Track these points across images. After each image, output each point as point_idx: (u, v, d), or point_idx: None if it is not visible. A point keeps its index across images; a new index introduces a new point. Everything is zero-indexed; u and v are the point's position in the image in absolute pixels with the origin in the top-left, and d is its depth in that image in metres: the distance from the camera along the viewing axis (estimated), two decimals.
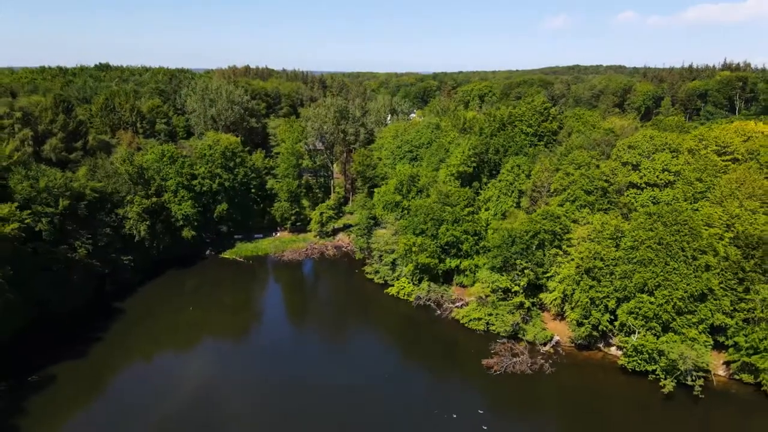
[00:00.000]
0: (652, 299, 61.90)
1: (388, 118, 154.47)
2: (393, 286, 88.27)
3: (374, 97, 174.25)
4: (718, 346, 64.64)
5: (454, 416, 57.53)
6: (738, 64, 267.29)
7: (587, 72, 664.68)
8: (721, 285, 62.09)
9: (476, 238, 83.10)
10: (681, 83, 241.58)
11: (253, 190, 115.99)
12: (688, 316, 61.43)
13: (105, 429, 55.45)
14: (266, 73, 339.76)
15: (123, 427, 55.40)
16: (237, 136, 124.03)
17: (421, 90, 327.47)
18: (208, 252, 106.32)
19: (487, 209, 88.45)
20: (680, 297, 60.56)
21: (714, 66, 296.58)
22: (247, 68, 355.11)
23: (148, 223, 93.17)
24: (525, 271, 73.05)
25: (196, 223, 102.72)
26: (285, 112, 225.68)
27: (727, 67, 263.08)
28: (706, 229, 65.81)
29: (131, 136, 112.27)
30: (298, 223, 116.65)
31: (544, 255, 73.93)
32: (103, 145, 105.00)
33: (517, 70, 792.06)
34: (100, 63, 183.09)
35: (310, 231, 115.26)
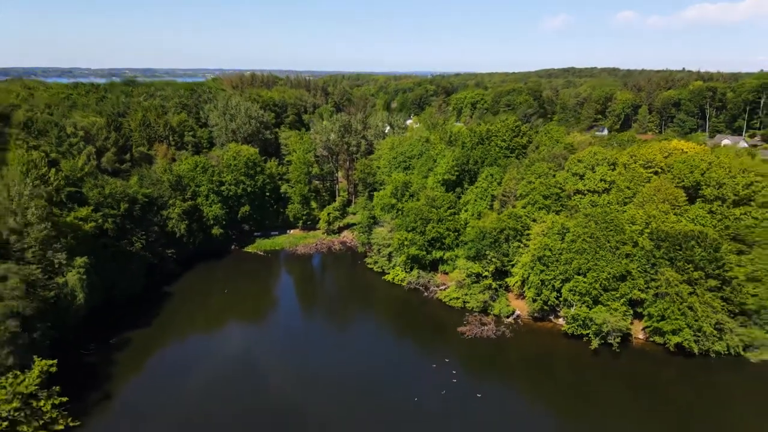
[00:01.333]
0: (585, 280, 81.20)
1: (387, 129, 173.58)
2: (389, 273, 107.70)
3: (374, 112, 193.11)
4: (638, 316, 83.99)
5: (434, 366, 76.97)
6: (711, 73, 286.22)
7: (581, 74, 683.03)
8: (638, 268, 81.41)
9: (456, 234, 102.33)
10: (657, 92, 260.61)
11: (268, 194, 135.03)
12: (612, 292, 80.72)
13: (161, 380, 74.51)
14: (271, 81, 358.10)
15: (173, 380, 74.78)
16: (254, 147, 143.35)
17: (418, 97, 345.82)
18: (233, 247, 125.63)
19: (466, 210, 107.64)
20: (605, 278, 79.91)
21: (699, 71, 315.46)
22: (252, 75, 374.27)
23: (186, 222, 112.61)
24: (493, 259, 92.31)
25: (223, 223, 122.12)
26: (291, 120, 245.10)
27: (700, 77, 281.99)
28: (630, 226, 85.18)
29: (166, 148, 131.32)
30: (309, 222, 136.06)
31: (509, 247, 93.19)
32: (144, 157, 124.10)
33: (513, 73, 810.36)
34: (127, 78, 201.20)
35: (318, 229, 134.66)
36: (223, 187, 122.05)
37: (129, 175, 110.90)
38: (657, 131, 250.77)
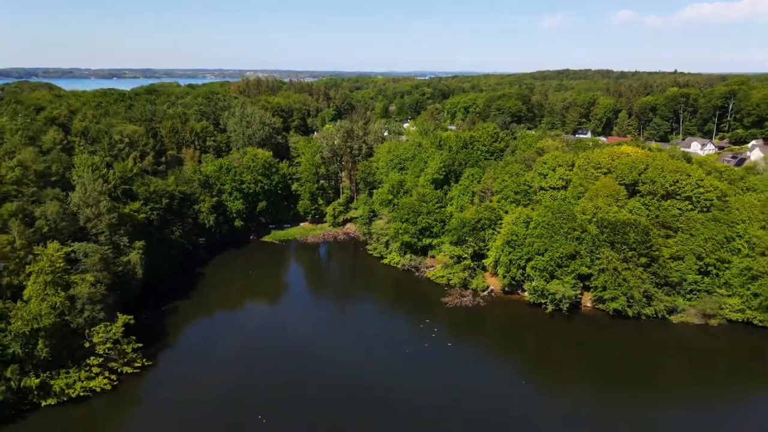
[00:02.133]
0: (543, 258, 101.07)
1: (385, 133, 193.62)
2: (386, 258, 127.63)
3: (373, 117, 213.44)
4: (587, 289, 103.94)
5: (421, 326, 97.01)
6: (687, 81, 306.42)
7: (576, 77, 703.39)
8: (585, 249, 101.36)
9: (442, 224, 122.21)
10: (636, 98, 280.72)
11: (280, 192, 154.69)
12: (565, 269, 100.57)
13: (204, 335, 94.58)
14: (275, 86, 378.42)
15: (214, 335, 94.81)
16: (267, 150, 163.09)
17: (415, 101, 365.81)
18: (252, 237, 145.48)
19: (451, 204, 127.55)
20: (559, 256, 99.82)
21: (690, 72, 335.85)
22: (258, 80, 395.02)
23: (214, 215, 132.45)
24: (472, 244, 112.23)
25: (244, 216, 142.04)
26: (297, 124, 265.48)
27: (676, 83, 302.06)
28: (581, 215, 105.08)
29: (193, 151, 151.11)
30: (317, 216, 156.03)
31: (485, 234, 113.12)
32: (175, 160, 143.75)
33: (509, 75, 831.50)
34: (149, 86, 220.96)
35: (325, 222, 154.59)
36: (243, 186, 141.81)
37: (165, 175, 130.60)
38: (636, 134, 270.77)
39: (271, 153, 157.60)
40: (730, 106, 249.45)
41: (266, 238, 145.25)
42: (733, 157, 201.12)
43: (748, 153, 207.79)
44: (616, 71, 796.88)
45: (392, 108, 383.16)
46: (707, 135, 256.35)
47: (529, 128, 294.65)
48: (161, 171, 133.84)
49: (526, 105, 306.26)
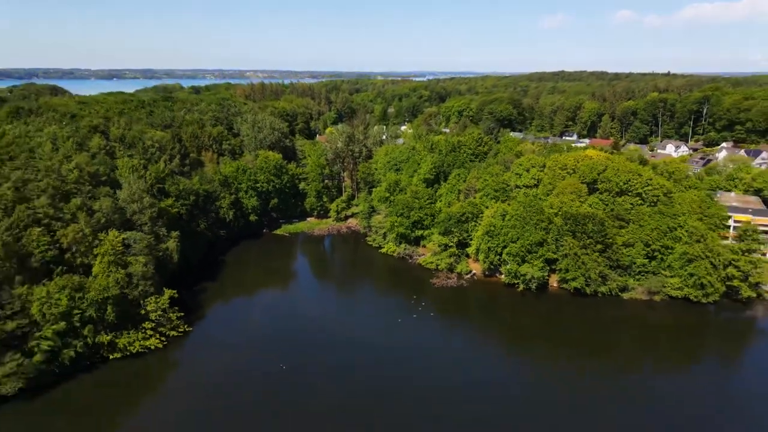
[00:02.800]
0: (516, 245, 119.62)
1: (384, 136, 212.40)
2: (383, 247, 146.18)
3: (372, 120, 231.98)
4: (554, 271, 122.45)
5: (412, 301, 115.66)
6: (698, 75, 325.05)
7: (570, 78, 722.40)
8: (551, 238, 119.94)
9: (432, 217, 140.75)
10: (619, 103, 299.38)
11: (288, 190, 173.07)
12: (534, 254, 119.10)
13: (231, 309, 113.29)
14: (279, 90, 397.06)
15: (239, 310, 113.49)
16: (277, 153, 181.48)
17: (412, 105, 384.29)
18: (264, 230, 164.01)
19: (440, 201, 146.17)
20: (529, 244, 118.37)
21: (684, 73, 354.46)
22: (262, 85, 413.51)
23: (232, 211, 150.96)
24: (457, 234, 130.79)
25: (258, 211, 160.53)
26: (301, 128, 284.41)
27: (656, 89, 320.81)
28: (549, 209, 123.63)
29: (211, 154, 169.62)
30: (322, 212, 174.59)
31: (468, 226, 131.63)
32: (196, 162, 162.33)
33: (506, 77, 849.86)
34: (165, 94, 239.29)
35: (329, 217, 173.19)
36: (257, 185, 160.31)
37: (189, 175, 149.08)
38: (618, 136, 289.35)
39: (280, 155, 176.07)
40: (705, 111, 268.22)
41: (278, 231, 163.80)
42: (701, 158, 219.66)
43: (717, 154, 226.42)
44: (610, 73, 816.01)
45: (391, 110, 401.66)
46: (684, 137, 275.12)
47: (519, 130, 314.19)
48: (186, 172, 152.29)
49: (516, 108, 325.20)
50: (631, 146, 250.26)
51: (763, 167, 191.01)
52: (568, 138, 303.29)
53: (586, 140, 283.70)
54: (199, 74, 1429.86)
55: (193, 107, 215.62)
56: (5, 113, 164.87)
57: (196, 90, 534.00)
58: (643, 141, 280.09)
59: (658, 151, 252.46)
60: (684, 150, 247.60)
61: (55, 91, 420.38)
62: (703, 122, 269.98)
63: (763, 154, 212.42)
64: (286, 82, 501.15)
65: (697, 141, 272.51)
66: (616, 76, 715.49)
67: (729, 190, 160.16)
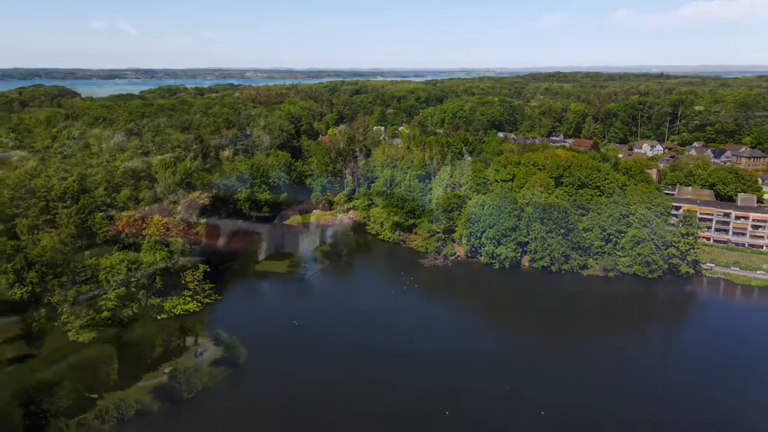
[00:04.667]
0: (493, 230, 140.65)
1: (382, 137, 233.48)
2: (381, 234, 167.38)
3: (371, 120, 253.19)
4: (525, 252, 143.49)
5: (402, 275, 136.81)
6: (647, 92, 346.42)
7: (565, 79, 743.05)
8: (522, 224, 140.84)
9: (423, 208, 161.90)
10: (602, 105, 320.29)
11: (295, 185, 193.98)
12: (508, 237, 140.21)
13: (248, 286, 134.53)
14: (283, 93, 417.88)
15: (254, 287, 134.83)
16: (285, 152, 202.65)
17: (409, 107, 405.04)
18: (276, 220, 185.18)
19: (430, 193, 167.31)
20: (503, 229, 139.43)
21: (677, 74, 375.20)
22: (267, 87, 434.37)
23: (248, 203, 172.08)
24: (444, 222, 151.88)
25: (270, 204, 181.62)
26: (305, 128, 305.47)
27: (638, 92, 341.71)
28: (521, 200, 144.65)
29: (227, 153, 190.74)
30: (326, 204, 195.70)
31: (454, 214, 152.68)
32: (215, 160, 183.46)
33: (502, 77, 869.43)
34: (181, 97, 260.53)
35: (334, 209, 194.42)
36: (269, 180, 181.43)
37: (210, 172, 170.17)
38: (600, 137, 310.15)
39: (289, 154, 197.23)
40: (679, 113, 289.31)
41: (287, 222, 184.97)
42: (671, 157, 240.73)
43: (686, 153, 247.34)
44: (605, 74, 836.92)
45: (389, 112, 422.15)
46: (661, 138, 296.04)
47: (510, 131, 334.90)
48: (206, 168, 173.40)
49: (507, 111, 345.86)
50: (610, 146, 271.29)
51: (728, 164, 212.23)
52: (555, 138, 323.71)
53: (570, 141, 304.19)
54: (200, 74, 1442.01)
55: (208, 110, 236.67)
56: (44, 117, 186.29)
57: (199, 91, 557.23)
58: (623, 141, 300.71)
59: (635, 150, 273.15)
60: (659, 149, 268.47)
61: (63, 92, 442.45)
62: (678, 123, 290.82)
63: (727, 153, 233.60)
64: (287, 83, 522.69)
65: (672, 141, 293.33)
66: (611, 77, 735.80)
67: (688, 185, 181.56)
